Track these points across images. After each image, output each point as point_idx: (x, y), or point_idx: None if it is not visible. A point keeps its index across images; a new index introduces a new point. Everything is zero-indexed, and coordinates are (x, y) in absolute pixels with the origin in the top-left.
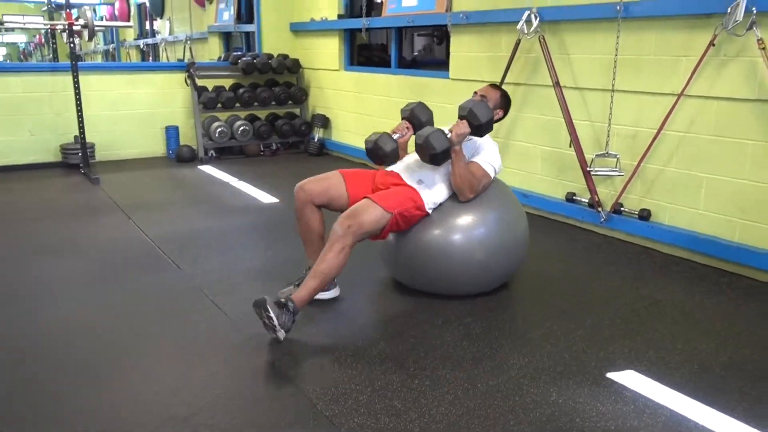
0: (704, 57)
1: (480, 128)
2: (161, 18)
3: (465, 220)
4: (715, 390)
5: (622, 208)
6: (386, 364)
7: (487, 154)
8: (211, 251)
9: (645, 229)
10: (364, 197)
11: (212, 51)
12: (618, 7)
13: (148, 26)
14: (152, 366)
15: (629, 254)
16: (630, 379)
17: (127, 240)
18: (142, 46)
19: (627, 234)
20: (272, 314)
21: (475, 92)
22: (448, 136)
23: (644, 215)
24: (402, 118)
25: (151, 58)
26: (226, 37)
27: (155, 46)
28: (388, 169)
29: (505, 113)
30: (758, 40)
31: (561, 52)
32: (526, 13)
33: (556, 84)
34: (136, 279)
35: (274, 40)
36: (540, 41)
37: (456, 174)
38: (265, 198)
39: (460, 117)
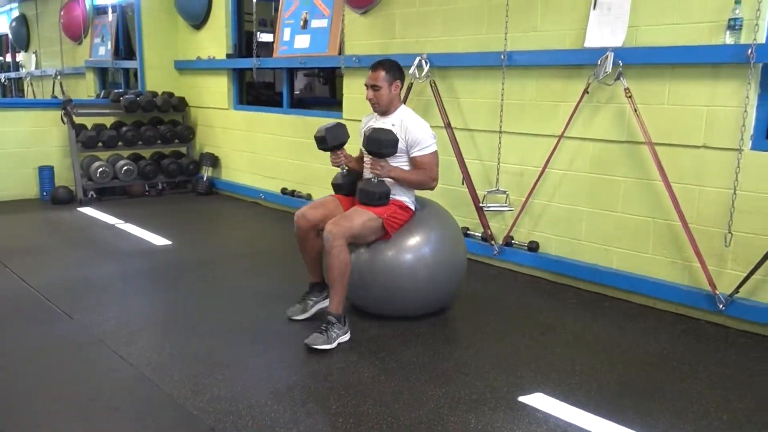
0: (580, 103)
1: (386, 154)
2: (25, 51)
3: (414, 240)
4: (614, 406)
5: (512, 241)
6: (308, 405)
7: (422, 140)
8: (104, 299)
9: (534, 259)
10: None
11: (87, 87)
12: (502, 56)
13: (9, 59)
14: (55, 430)
15: (522, 284)
16: (539, 401)
17: (6, 290)
18: (3, 80)
19: (518, 265)
20: (328, 345)
21: (366, 86)
22: (373, 180)
23: (533, 247)
24: (324, 150)
25: (13, 94)
26: (102, 72)
27: (18, 81)
28: None
29: (403, 80)
30: (625, 89)
31: (451, 96)
32: (417, 58)
33: (448, 125)
34: (25, 333)
35: (157, 78)
36: (431, 85)
37: (412, 185)
38: (157, 240)
39: (367, 150)
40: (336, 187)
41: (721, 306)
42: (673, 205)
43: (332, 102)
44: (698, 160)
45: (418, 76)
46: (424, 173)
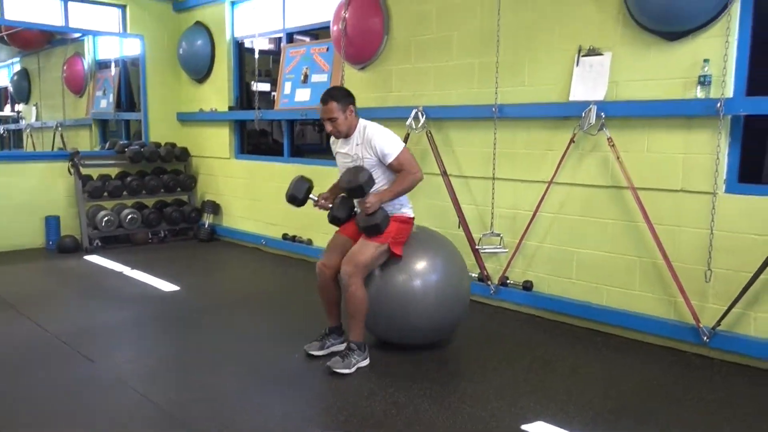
0: (567, 151)
1: (368, 190)
2: (26, 103)
3: (421, 265)
4: (610, 431)
5: (508, 281)
6: None
7: (388, 147)
8: (121, 342)
9: (529, 298)
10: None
11: (87, 138)
12: (493, 109)
13: (8, 111)
14: None
15: (518, 321)
16: (541, 429)
17: (26, 336)
18: (2, 132)
19: (514, 303)
20: (347, 369)
21: (323, 119)
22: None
23: (527, 286)
24: (300, 204)
25: (12, 145)
26: (102, 124)
27: (17, 132)
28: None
29: (354, 102)
30: (608, 139)
31: (446, 145)
32: (414, 111)
33: (444, 173)
34: (50, 376)
35: (160, 129)
36: (427, 135)
37: (405, 192)
38: (165, 286)
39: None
40: (334, 220)
41: (705, 339)
42: (656, 244)
43: (325, 149)
44: (677, 203)
45: (414, 127)
46: (406, 175)
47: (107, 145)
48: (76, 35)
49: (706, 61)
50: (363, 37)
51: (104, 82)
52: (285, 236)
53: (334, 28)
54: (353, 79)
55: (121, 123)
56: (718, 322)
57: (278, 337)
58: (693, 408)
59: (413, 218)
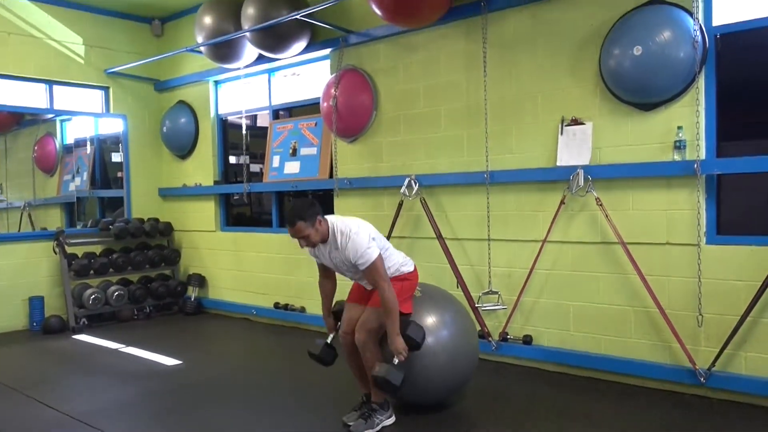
0: (558, 212)
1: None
2: None
3: (431, 320)
4: None
5: (508, 336)
6: None
7: (360, 257)
8: (143, 418)
9: (530, 351)
10: (367, 305)
11: (56, 217)
12: (485, 175)
13: None
14: None
15: (522, 375)
16: None
17: (43, 418)
18: None
19: (515, 358)
20: (371, 429)
21: (295, 238)
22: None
23: (527, 340)
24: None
25: None
26: (74, 202)
27: None
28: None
29: (320, 210)
30: (596, 199)
31: (440, 210)
32: (407, 179)
33: (439, 236)
34: None
35: (142, 205)
36: (421, 202)
37: (395, 312)
38: (166, 361)
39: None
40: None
41: (702, 380)
42: (648, 294)
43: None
44: (664, 255)
45: (408, 194)
46: (383, 294)
47: (90, 222)
48: (49, 116)
49: (679, 128)
50: (352, 113)
51: (78, 160)
52: (277, 305)
53: (324, 105)
54: (344, 151)
55: (96, 200)
56: (713, 364)
57: (298, 405)
58: None
59: (414, 271)
